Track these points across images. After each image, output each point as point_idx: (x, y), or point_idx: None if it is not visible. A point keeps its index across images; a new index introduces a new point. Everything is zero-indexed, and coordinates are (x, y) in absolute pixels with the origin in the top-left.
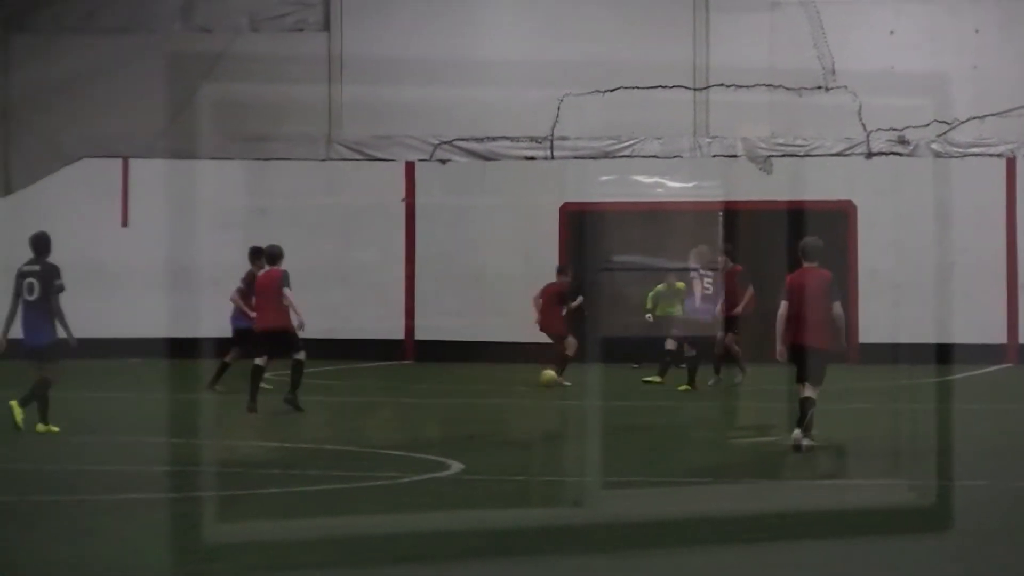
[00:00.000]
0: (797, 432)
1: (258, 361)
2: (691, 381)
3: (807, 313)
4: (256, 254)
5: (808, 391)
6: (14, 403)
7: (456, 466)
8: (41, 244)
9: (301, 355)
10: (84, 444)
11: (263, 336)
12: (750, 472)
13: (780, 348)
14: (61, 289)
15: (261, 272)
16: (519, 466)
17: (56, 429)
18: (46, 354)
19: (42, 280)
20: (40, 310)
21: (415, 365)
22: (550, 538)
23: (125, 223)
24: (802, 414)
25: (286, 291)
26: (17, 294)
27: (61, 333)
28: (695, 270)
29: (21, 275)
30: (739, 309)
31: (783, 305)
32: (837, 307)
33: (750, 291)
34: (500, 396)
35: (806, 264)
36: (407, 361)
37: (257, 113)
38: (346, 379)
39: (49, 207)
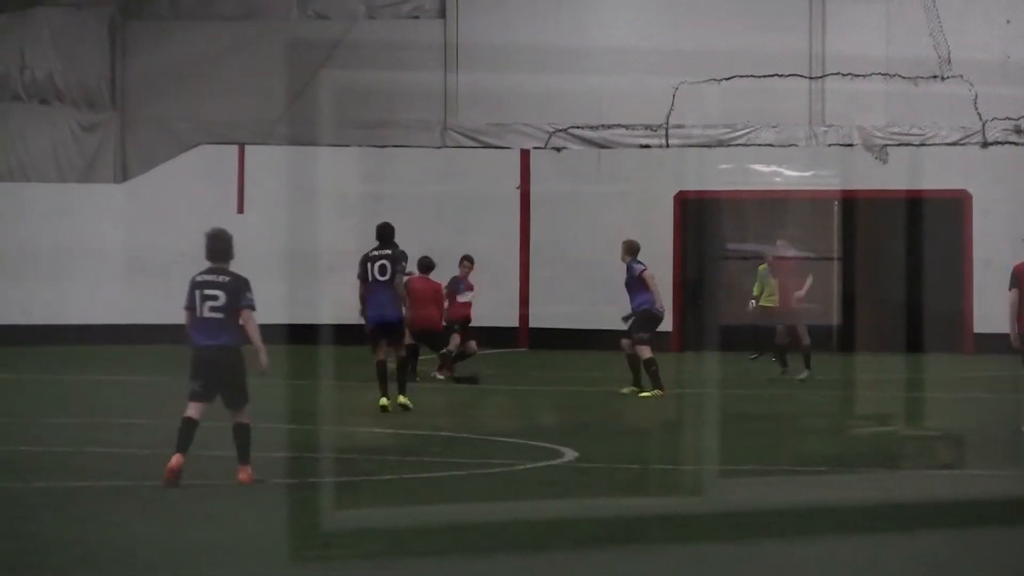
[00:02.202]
0: None
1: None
2: (784, 363)
3: None
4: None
5: None
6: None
7: (570, 454)
8: (387, 232)
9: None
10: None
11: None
12: (869, 462)
13: (1014, 336)
14: (405, 271)
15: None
16: (634, 455)
17: (408, 405)
18: (396, 331)
19: (392, 263)
20: (389, 291)
21: (529, 353)
22: (667, 527)
23: (241, 210)
24: None
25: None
26: (365, 276)
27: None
28: (782, 258)
29: (369, 259)
30: (800, 296)
31: (1013, 293)
32: None
33: (808, 280)
34: (614, 384)
35: None
36: (521, 348)
37: (373, 100)
38: (460, 366)
39: (165, 193)
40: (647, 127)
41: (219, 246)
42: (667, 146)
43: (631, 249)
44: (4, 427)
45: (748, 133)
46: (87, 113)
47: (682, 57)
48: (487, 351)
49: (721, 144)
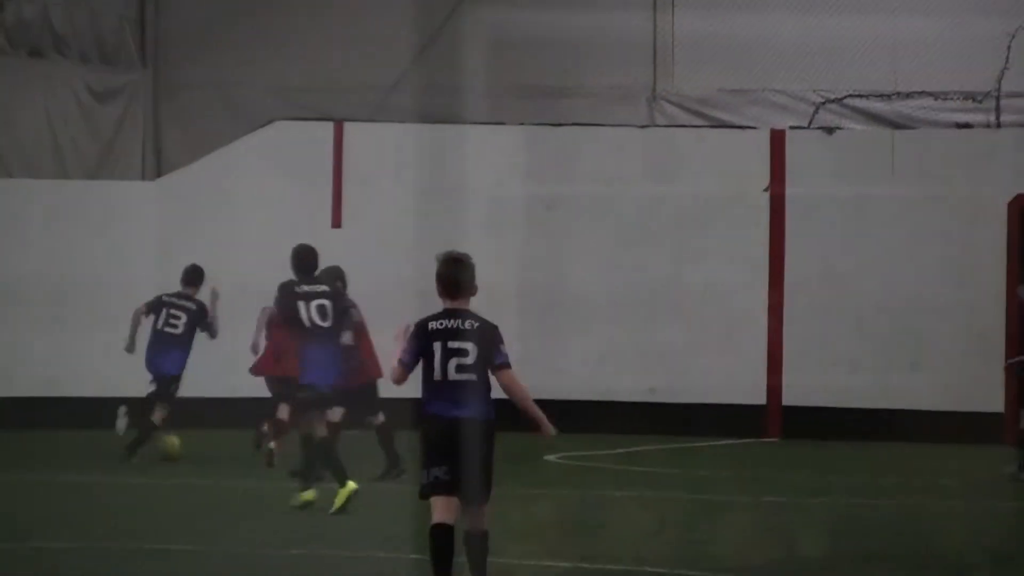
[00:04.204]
0: None
1: None
2: None
3: None
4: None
5: None
6: None
7: None
8: (311, 261)
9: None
10: None
11: None
12: None
13: None
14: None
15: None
16: None
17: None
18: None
19: (334, 302)
20: (331, 343)
21: (783, 444)
22: None
23: (338, 222)
24: None
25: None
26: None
27: None
28: None
29: (301, 297)
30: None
31: None
32: None
33: None
34: (917, 493)
35: None
36: (771, 439)
37: (545, 57)
38: (678, 464)
39: (222, 195)
40: (967, 96)
41: (462, 277)
42: (998, 125)
43: None
44: None
45: None
46: (103, 72)
47: None
48: (719, 441)
49: None
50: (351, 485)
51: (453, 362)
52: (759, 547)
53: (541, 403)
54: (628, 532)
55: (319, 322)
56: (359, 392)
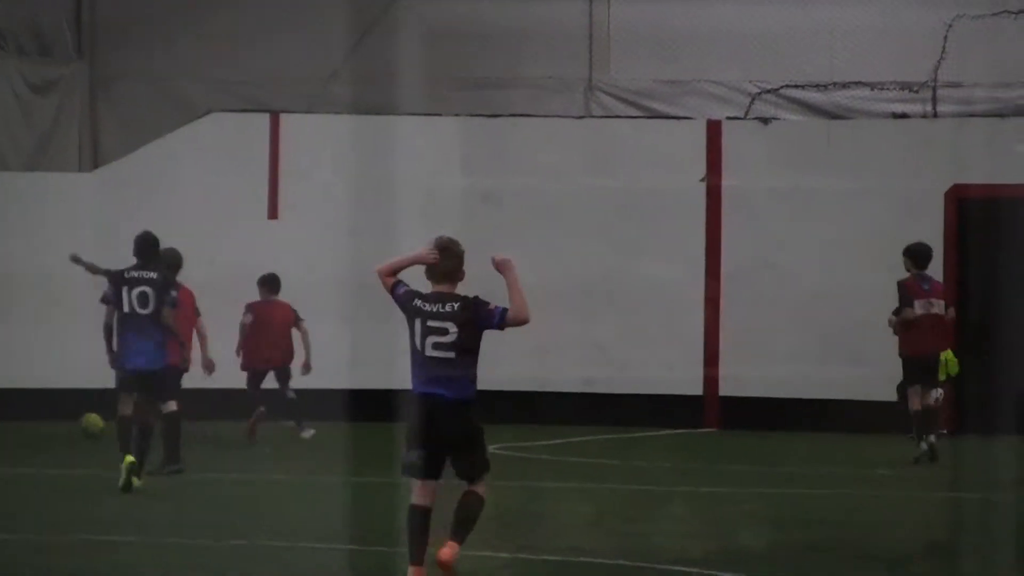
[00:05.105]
0: None
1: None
2: None
3: None
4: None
5: None
6: None
7: None
8: (148, 246)
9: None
10: None
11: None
12: None
13: None
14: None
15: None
16: None
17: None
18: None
19: (157, 291)
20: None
21: (719, 434)
22: None
23: (274, 213)
24: None
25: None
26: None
27: None
28: None
29: (126, 282)
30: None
31: None
32: None
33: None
34: (851, 484)
35: None
36: (708, 429)
37: (482, 46)
38: (616, 455)
39: (160, 186)
40: (902, 86)
41: (449, 264)
42: (934, 115)
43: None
44: None
45: None
46: (40, 65)
47: None
48: (657, 431)
49: (1020, 112)
50: (129, 458)
51: (431, 339)
52: (698, 538)
53: (479, 394)
54: (567, 523)
55: (138, 309)
56: (158, 375)
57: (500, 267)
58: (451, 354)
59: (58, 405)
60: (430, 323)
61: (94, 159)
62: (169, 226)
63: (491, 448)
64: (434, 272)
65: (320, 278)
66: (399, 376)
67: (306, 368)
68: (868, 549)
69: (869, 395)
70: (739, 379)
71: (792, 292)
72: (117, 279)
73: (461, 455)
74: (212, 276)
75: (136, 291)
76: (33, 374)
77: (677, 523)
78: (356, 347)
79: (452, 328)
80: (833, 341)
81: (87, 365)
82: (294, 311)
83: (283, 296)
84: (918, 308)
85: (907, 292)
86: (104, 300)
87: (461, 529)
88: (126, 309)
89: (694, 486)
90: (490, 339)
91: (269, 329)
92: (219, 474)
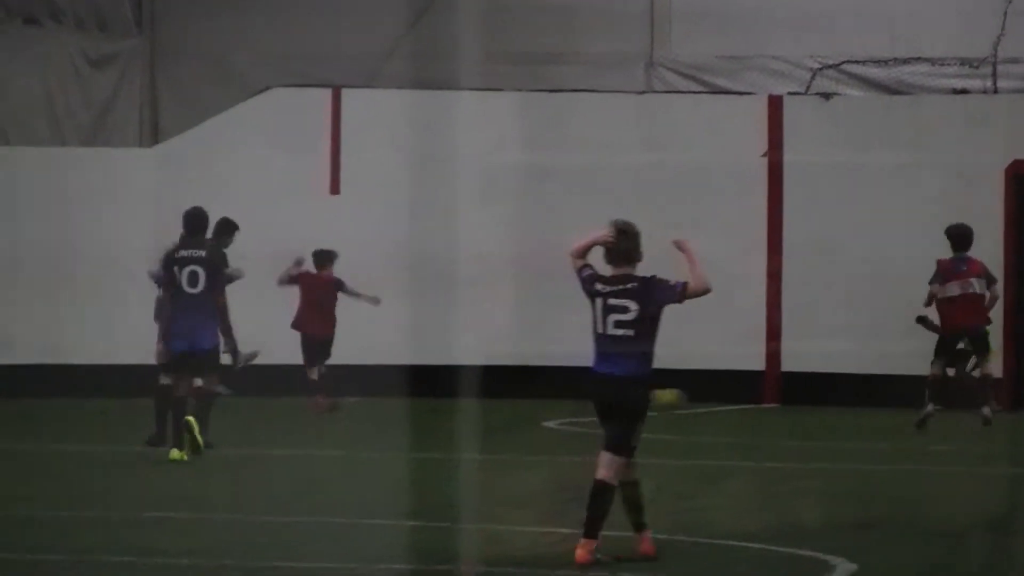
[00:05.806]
0: None
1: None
2: None
3: None
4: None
5: None
6: None
7: (844, 567)
8: (198, 222)
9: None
10: None
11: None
12: None
13: None
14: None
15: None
16: (938, 569)
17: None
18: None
19: (208, 269)
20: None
21: (780, 410)
22: None
23: (336, 188)
24: None
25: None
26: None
27: None
28: None
29: (176, 261)
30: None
31: None
32: None
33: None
34: (908, 460)
35: None
36: (768, 404)
37: (541, 22)
38: (676, 431)
39: (218, 162)
40: (964, 62)
41: (627, 245)
42: (995, 91)
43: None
44: None
45: None
46: (99, 40)
47: None
48: (716, 407)
49: None
50: (176, 454)
51: (612, 318)
52: (757, 513)
53: (540, 370)
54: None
55: (188, 288)
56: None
57: (679, 246)
58: (631, 331)
59: (141, 380)
60: (611, 301)
61: (153, 135)
62: (228, 202)
63: (551, 423)
64: (612, 254)
65: (380, 252)
66: (457, 351)
67: (375, 300)
68: (926, 524)
69: (927, 370)
70: (799, 355)
71: (851, 267)
72: (168, 258)
73: (616, 428)
74: (272, 251)
75: (187, 270)
76: (89, 349)
77: (736, 499)
78: (415, 322)
79: (633, 306)
80: (891, 316)
81: (143, 340)
82: (338, 280)
83: (343, 271)
84: (952, 289)
85: (939, 271)
86: (154, 279)
87: (635, 518)
88: (183, 287)
89: (754, 462)
90: (552, 317)
91: (313, 301)
92: (267, 449)
